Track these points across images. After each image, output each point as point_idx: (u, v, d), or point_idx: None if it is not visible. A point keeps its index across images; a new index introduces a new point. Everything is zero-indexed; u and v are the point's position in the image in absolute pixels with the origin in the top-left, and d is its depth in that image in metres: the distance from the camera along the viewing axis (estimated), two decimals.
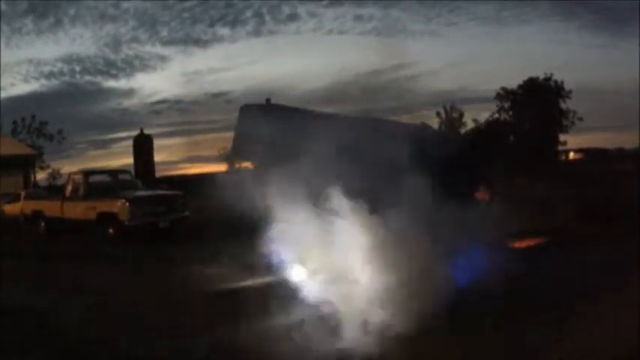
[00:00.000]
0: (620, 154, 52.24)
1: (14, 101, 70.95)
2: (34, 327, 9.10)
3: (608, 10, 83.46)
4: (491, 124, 66.80)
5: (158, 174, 34.91)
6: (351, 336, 7.76)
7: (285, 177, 9.03)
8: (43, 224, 22.38)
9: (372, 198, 9.10)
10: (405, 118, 14.63)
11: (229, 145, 11.41)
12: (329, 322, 8.08)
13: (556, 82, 65.57)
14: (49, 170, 66.07)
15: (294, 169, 8.99)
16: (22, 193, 28.53)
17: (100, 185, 21.38)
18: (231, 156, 11.35)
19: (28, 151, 47.93)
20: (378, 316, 8.09)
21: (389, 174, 9.07)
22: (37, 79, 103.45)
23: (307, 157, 8.96)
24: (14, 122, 65.28)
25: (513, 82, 66.56)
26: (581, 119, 65.90)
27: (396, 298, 8.26)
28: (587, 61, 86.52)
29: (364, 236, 8.69)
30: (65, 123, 67.10)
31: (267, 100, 11.07)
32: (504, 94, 66.89)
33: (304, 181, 9.07)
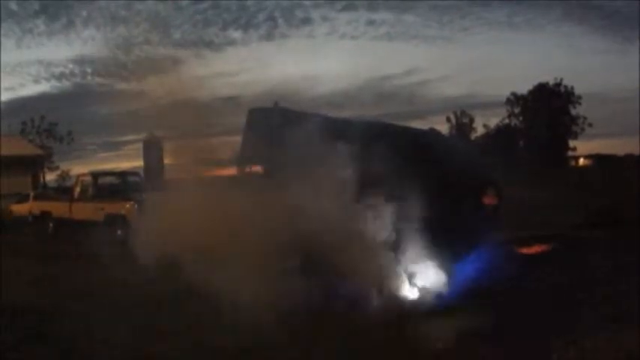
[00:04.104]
0: (631, 160, 51.92)
1: (24, 102, 71.28)
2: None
3: (620, 16, 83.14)
4: (501, 130, 66.73)
5: (167, 177, 34.81)
6: None
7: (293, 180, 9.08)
8: (51, 225, 22.43)
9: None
10: (416, 124, 14.67)
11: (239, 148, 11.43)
12: None
13: (566, 87, 65.51)
14: (58, 171, 66.38)
15: (301, 172, 9.03)
16: (31, 194, 28.66)
17: (109, 187, 21.39)
18: (240, 159, 11.35)
19: (37, 151, 48.08)
20: None
21: (398, 177, 9.08)
22: (47, 80, 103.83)
23: (314, 160, 9.00)
24: (24, 123, 65.68)
25: (525, 87, 66.64)
26: (590, 125, 65.85)
27: None
28: (597, 67, 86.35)
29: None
30: (75, 124, 67.33)
31: (275, 103, 11.05)
32: (514, 100, 66.85)
33: (311, 184, 9.11)
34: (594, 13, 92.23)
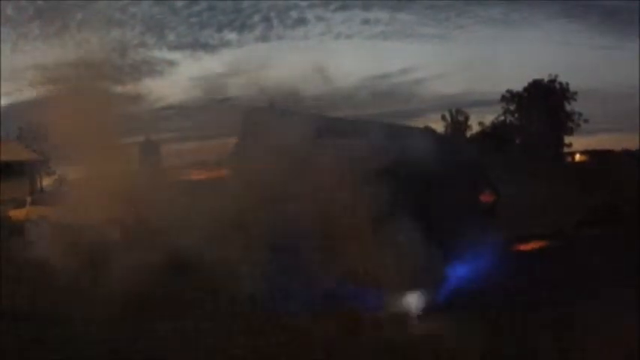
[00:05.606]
0: (628, 154, 51.89)
1: (21, 107, 70.85)
2: None
3: (619, 13, 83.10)
4: (497, 127, 66.71)
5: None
6: None
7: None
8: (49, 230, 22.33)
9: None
10: (412, 122, 14.70)
11: (236, 149, 11.45)
12: None
13: (561, 83, 65.51)
14: (55, 176, 66.06)
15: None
16: (28, 199, 28.60)
17: None
18: (235, 160, 11.37)
19: (34, 156, 47.93)
20: None
21: (395, 176, 9.11)
22: (43, 84, 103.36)
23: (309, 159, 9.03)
24: (20, 128, 65.42)
25: (521, 84, 66.51)
26: (586, 121, 65.78)
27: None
28: (596, 64, 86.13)
29: None
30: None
31: (271, 104, 11.08)
32: (510, 97, 66.78)
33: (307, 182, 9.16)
34: (593, 10, 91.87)
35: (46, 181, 58.65)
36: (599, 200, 18.58)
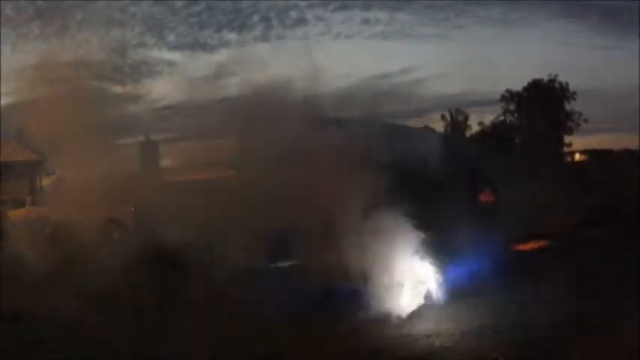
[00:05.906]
0: (628, 154, 51.86)
1: (21, 107, 70.80)
2: None
3: (616, 12, 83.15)
4: (497, 127, 66.71)
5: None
6: None
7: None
8: (49, 230, 22.30)
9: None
10: (412, 122, 14.71)
11: (236, 150, 11.48)
12: None
13: (560, 83, 65.56)
14: (55, 176, 66.06)
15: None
16: (28, 199, 28.58)
17: None
18: (235, 161, 11.40)
19: (34, 156, 47.87)
20: None
21: (393, 175, 9.12)
22: (42, 84, 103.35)
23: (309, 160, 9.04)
24: (20, 128, 65.43)
25: (521, 84, 66.54)
26: (586, 121, 65.86)
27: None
28: (594, 63, 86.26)
29: None
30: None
31: (270, 104, 11.09)
32: (509, 97, 66.79)
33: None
34: (593, 10, 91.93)
35: (46, 181, 58.69)
36: (599, 200, 18.56)
